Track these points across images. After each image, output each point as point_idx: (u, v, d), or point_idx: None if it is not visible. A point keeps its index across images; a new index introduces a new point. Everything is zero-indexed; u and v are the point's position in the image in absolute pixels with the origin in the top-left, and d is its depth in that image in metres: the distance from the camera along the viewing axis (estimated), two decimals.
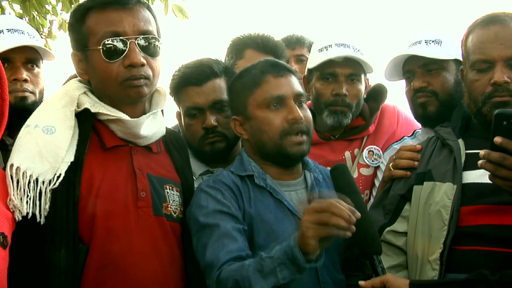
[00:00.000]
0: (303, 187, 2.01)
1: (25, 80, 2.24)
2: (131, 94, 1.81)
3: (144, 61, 1.80)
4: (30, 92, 2.25)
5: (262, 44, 2.86)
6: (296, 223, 1.87)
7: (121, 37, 1.77)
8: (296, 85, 1.97)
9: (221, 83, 2.31)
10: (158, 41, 1.86)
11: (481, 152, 1.65)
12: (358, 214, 1.61)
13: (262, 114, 1.93)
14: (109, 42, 1.76)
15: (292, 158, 1.94)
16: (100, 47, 1.76)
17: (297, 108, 1.92)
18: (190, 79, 2.29)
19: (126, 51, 1.77)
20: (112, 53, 1.77)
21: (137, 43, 1.78)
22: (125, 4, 1.80)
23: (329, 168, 2.22)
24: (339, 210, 1.57)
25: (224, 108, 2.30)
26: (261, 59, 2.06)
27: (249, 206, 1.88)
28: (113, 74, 1.78)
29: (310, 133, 1.97)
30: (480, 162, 1.66)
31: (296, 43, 3.38)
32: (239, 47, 2.91)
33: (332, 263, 1.91)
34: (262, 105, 1.93)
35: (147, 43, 1.81)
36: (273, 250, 1.68)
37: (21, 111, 2.09)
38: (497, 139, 1.61)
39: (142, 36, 1.80)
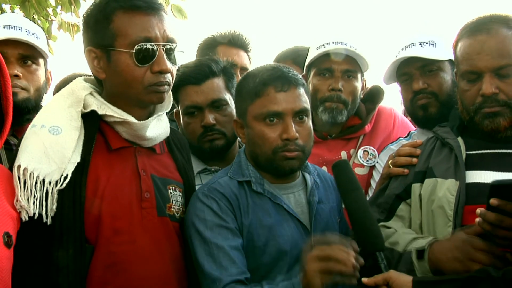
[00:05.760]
0: (301, 189, 2.00)
1: (17, 76, 2.20)
2: (154, 99, 1.83)
3: (171, 69, 1.82)
4: (22, 89, 2.22)
5: (232, 39, 2.98)
6: (295, 225, 1.91)
7: (152, 43, 1.77)
8: (299, 100, 1.89)
9: (219, 82, 2.34)
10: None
11: (477, 211, 1.61)
12: (362, 261, 1.61)
13: (258, 126, 1.89)
14: (142, 46, 1.76)
15: (281, 172, 1.92)
16: (133, 50, 1.76)
17: (293, 126, 1.86)
18: (189, 78, 2.31)
19: (155, 57, 1.78)
20: (143, 57, 1.77)
21: (165, 50, 1.80)
22: (155, 10, 1.80)
23: (324, 168, 2.24)
24: (343, 257, 1.59)
25: (222, 107, 2.33)
26: (269, 67, 1.99)
27: (246, 215, 1.87)
28: (140, 78, 1.79)
29: (306, 150, 1.92)
30: (476, 220, 1.63)
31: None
32: (210, 45, 3.00)
33: None
34: (259, 117, 1.89)
35: (172, 51, 1.83)
36: (276, 284, 1.72)
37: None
38: (493, 201, 1.56)
39: (170, 44, 1.81)
